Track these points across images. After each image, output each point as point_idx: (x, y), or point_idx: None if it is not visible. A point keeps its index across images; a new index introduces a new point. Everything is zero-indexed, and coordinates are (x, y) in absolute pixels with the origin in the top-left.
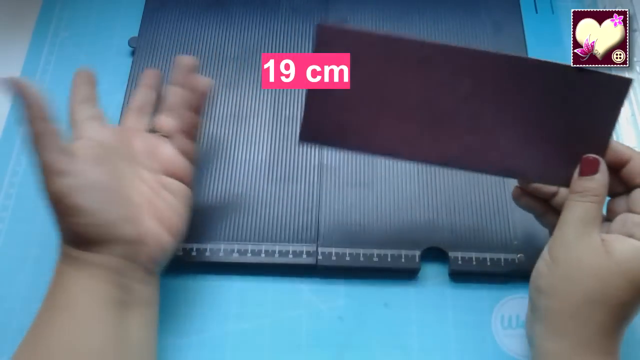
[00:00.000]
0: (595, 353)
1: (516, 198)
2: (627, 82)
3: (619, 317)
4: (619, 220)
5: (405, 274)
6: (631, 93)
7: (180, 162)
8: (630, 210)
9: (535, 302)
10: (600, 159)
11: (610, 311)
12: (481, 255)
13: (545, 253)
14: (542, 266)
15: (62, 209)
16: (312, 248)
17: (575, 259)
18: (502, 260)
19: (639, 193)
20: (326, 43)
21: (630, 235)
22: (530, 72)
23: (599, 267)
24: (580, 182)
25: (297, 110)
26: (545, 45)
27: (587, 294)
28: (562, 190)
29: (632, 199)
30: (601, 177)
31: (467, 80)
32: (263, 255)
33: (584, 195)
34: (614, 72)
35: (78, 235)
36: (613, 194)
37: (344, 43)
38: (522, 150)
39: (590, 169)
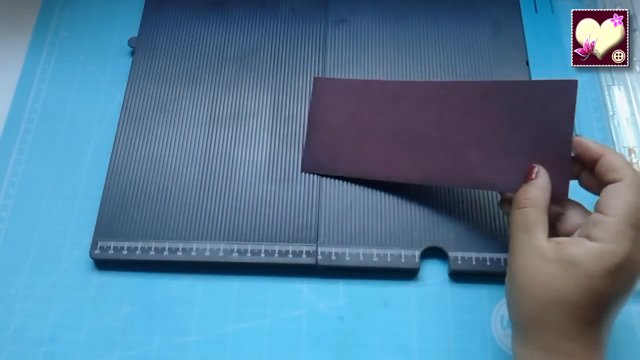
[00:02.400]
0: (565, 355)
1: (500, 205)
2: (574, 83)
3: (578, 319)
4: (585, 221)
5: (405, 274)
6: (631, 93)
7: None
8: (596, 210)
9: (507, 312)
10: (538, 166)
11: (565, 315)
12: (481, 255)
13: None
14: (506, 281)
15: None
16: (311, 248)
17: (522, 268)
18: (502, 260)
19: (605, 191)
20: (322, 90)
21: (587, 236)
22: (487, 93)
23: (545, 273)
24: (519, 192)
25: (297, 110)
26: (545, 45)
27: (540, 301)
28: None
29: (600, 197)
30: (539, 181)
31: (434, 106)
32: (263, 255)
33: (522, 202)
34: (613, 73)
35: None
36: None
37: (334, 89)
38: (490, 164)
39: (529, 176)
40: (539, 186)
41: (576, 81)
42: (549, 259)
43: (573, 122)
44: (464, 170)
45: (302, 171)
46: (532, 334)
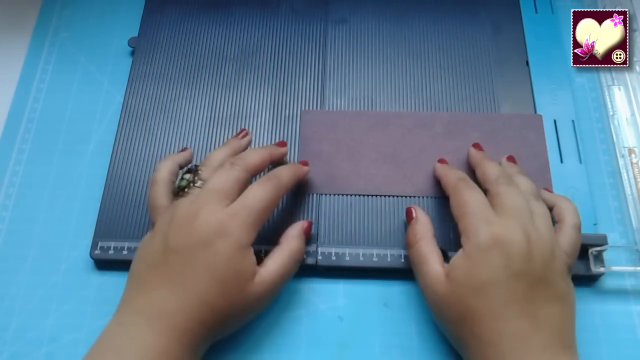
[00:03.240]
0: None
1: None
2: (539, 118)
3: (456, 335)
4: None
5: (405, 274)
6: (631, 93)
7: None
8: None
9: None
10: (412, 206)
11: (451, 330)
12: None
13: None
14: None
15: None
16: (312, 248)
17: (429, 294)
18: None
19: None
20: (310, 121)
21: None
22: (466, 122)
23: (441, 294)
24: (407, 232)
25: (297, 110)
26: (545, 45)
27: (440, 319)
28: None
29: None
30: (419, 217)
31: (420, 133)
32: (263, 255)
33: (413, 240)
34: (613, 73)
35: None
36: None
37: (323, 119)
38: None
39: (410, 217)
40: (421, 222)
41: (540, 116)
42: (443, 282)
43: (546, 153)
44: None
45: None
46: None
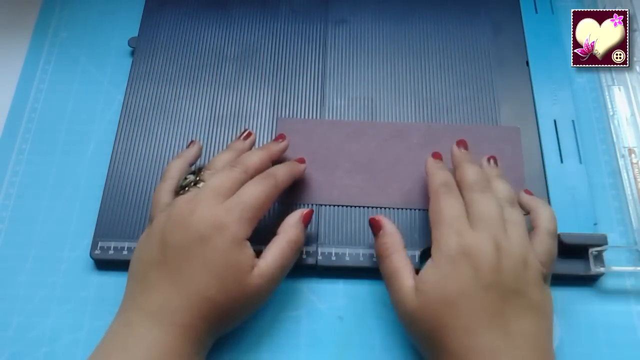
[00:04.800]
0: None
1: None
2: (517, 130)
3: (426, 346)
4: None
5: None
6: (631, 93)
7: None
8: None
9: None
10: (380, 217)
11: (420, 342)
12: None
13: None
14: None
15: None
16: (312, 248)
17: (399, 306)
18: None
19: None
20: (286, 130)
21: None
22: (443, 134)
23: (406, 317)
24: (376, 245)
25: (297, 110)
26: (545, 45)
27: (418, 348)
28: None
29: None
30: (387, 228)
31: (395, 143)
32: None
33: (384, 251)
34: (613, 73)
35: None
36: None
37: (299, 128)
38: None
39: (377, 228)
40: (389, 233)
41: (518, 128)
42: (413, 296)
43: (522, 163)
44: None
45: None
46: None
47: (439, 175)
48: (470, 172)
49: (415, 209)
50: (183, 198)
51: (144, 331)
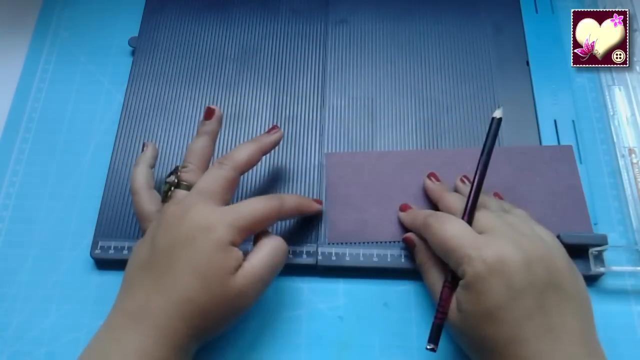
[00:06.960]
0: None
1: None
2: (569, 148)
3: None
4: None
5: (405, 274)
6: (631, 93)
7: None
8: None
9: None
10: (412, 236)
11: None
12: None
13: None
14: None
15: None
16: (312, 248)
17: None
18: None
19: None
20: (335, 164)
21: None
22: (497, 156)
23: (452, 331)
24: (415, 258)
25: (297, 110)
26: (546, 45)
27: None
28: None
29: None
30: (418, 244)
31: (450, 171)
32: None
33: (422, 268)
34: (613, 73)
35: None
36: None
37: (348, 162)
38: None
39: (411, 246)
40: (421, 249)
41: (571, 146)
42: (455, 312)
43: (580, 183)
44: None
45: (329, 242)
46: None
47: (418, 215)
48: (454, 199)
49: None
50: (172, 203)
51: (122, 333)
